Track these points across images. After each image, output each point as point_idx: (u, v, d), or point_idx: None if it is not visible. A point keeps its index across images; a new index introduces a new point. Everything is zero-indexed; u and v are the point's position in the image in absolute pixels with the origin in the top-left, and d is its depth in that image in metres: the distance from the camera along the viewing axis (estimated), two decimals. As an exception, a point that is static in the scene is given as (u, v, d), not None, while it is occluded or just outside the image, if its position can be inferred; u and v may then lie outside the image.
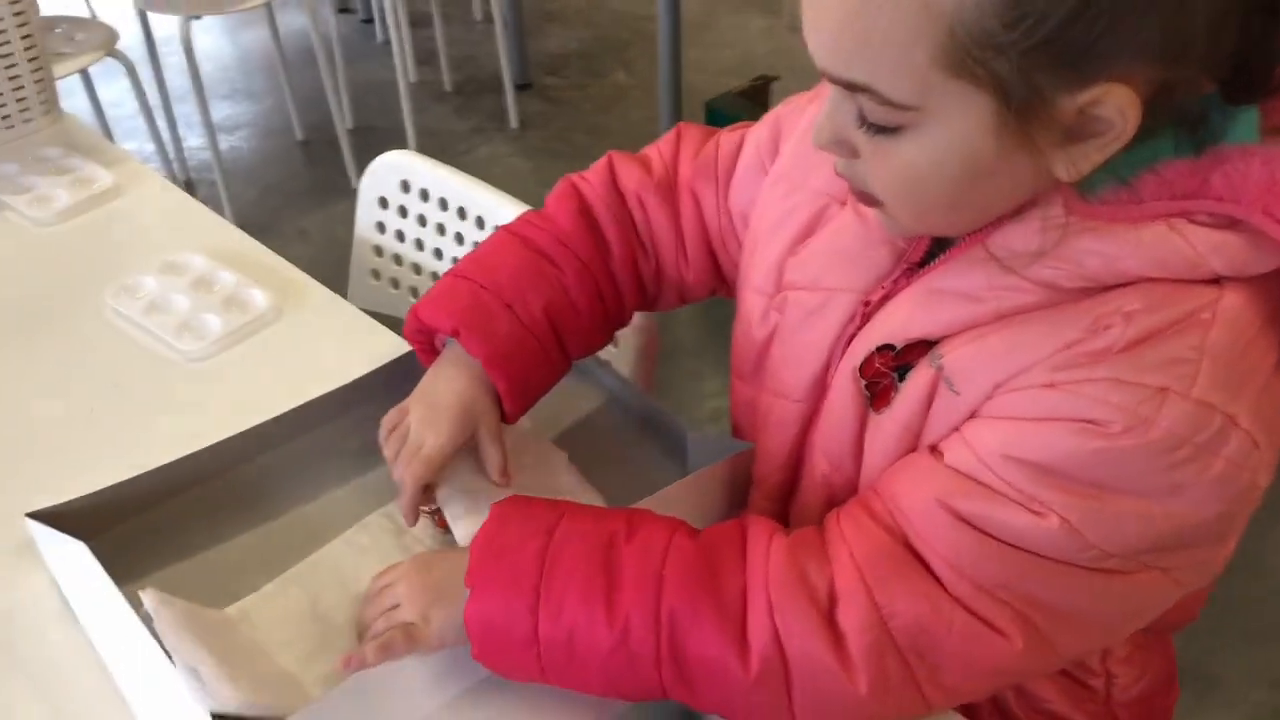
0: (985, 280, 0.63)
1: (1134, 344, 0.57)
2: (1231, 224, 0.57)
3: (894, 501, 0.64)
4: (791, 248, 0.76)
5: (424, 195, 1.20)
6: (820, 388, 0.73)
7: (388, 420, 0.82)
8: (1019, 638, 0.60)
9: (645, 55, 3.26)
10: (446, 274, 0.84)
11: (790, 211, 0.76)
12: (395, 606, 0.71)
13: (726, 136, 0.87)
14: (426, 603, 0.69)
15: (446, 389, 0.80)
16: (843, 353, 0.71)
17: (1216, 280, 0.58)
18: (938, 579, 0.61)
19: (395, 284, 1.26)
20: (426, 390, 0.81)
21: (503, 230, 0.86)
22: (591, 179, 0.87)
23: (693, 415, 2.16)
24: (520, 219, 0.87)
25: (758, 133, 0.84)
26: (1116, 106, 0.54)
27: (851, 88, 0.57)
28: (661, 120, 2.46)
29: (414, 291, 1.25)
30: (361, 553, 0.83)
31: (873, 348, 0.68)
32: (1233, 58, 0.56)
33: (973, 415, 0.63)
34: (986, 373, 0.62)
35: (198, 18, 2.63)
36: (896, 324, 0.67)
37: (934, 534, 0.61)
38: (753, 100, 2.41)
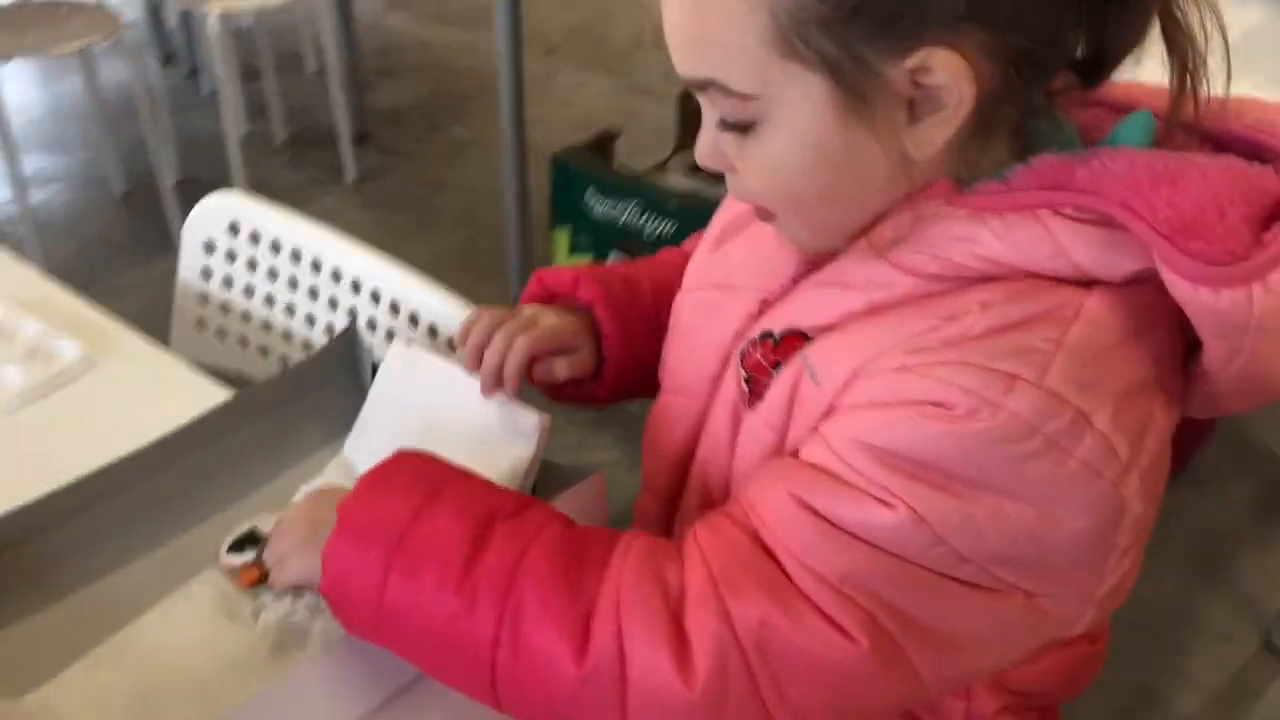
0: (862, 271, 0.63)
1: (988, 333, 0.57)
2: (1104, 221, 0.57)
3: (749, 503, 0.63)
4: (713, 247, 0.79)
5: (254, 238, 1.13)
6: (715, 384, 0.73)
7: (473, 314, 0.82)
8: (864, 639, 0.57)
9: (483, 110, 3.23)
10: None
11: (719, 216, 0.81)
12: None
13: None
14: (303, 538, 0.71)
15: (564, 311, 0.84)
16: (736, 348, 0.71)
17: (1088, 284, 0.58)
18: (787, 576, 0.59)
19: (222, 334, 1.17)
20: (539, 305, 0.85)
21: None
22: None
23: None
24: None
25: None
26: (947, 74, 0.55)
27: (702, 85, 0.60)
28: (505, 173, 2.42)
29: (243, 341, 1.16)
30: (183, 623, 0.75)
31: (755, 337, 0.68)
32: (1089, 40, 0.59)
33: (831, 410, 0.62)
34: (846, 360, 0.61)
35: (6, 59, 2.47)
36: (779, 315, 0.68)
37: (783, 528, 0.60)
38: (599, 153, 2.40)
